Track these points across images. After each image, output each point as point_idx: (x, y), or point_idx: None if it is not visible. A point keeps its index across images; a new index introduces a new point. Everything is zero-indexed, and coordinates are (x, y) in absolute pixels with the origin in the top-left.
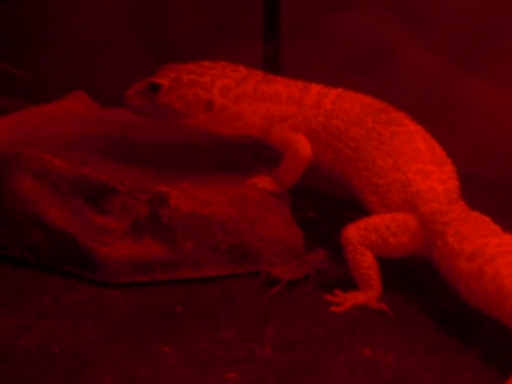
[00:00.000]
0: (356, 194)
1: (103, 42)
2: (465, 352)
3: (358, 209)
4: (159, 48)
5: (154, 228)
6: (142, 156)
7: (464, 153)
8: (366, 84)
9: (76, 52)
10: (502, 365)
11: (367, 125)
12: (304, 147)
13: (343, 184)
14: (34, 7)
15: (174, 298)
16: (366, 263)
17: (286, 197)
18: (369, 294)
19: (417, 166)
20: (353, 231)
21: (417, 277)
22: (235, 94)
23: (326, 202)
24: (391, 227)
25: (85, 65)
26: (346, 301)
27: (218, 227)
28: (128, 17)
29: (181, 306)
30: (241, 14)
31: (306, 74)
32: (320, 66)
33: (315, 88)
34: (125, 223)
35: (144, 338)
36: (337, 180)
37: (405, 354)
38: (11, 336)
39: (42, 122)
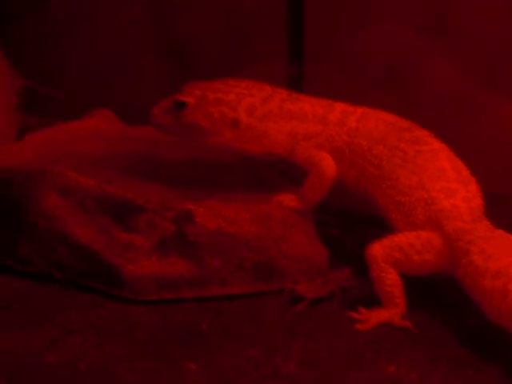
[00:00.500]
0: (380, 211)
1: (128, 60)
2: (488, 370)
3: (382, 226)
4: (184, 67)
5: (180, 245)
6: (167, 174)
7: (487, 171)
8: (388, 101)
9: (101, 70)
10: None
11: (391, 143)
12: (328, 165)
13: (367, 202)
14: (59, 25)
15: (200, 316)
16: (391, 281)
17: (310, 214)
18: (393, 312)
19: (441, 185)
20: (377, 249)
21: (441, 294)
22: (261, 112)
23: (350, 219)
24: (415, 245)
25: (110, 83)
26: (370, 318)
27: (243, 245)
28: (153, 36)
29: (207, 323)
30: (265, 34)
31: (329, 94)
32: (343, 85)
33: (340, 106)
34: (151, 241)
35: (169, 355)
36: (361, 198)
37: (429, 372)
38: (38, 352)
39: (68, 139)
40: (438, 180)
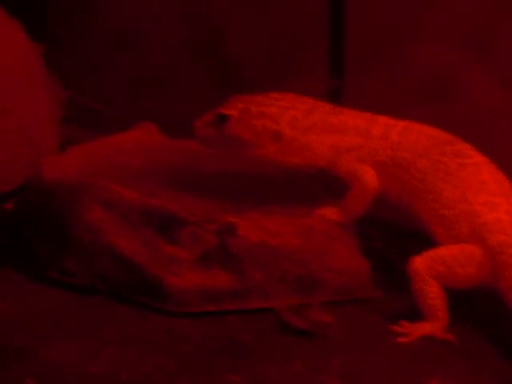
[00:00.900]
0: (423, 224)
1: (171, 74)
2: None
3: (424, 239)
4: (226, 82)
5: (223, 258)
6: (209, 186)
7: None
8: (430, 116)
9: (145, 84)
10: None
11: (434, 156)
12: (371, 179)
13: (410, 215)
14: (104, 38)
15: (243, 328)
16: (433, 294)
17: (352, 227)
18: (435, 325)
19: (484, 198)
20: (420, 262)
21: (483, 307)
22: (303, 125)
23: (393, 232)
24: (458, 258)
25: (153, 96)
26: (412, 331)
27: (286, 258)
28: (196, 50)
29: (249, 336)
30: (305, 47)
31: (370, 108)
32: (383, 99)
33: (382, 120)
34: (194, 253)
35: (212, 367)
36: (404, 211)
37: None
38: (82, 363)
39: (111, 152)
40: (481, 193)
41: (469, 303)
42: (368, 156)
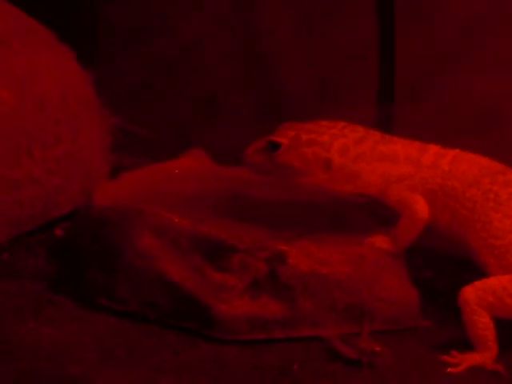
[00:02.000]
0: (473, 254)
1: (222, 102)
2: None
3: (474, 269)
4: (275, 109)
5: (272, 286)
6: (259, 214)
7: None
8: (479, 146)
9: (195, 111)
10: None
11: (484, 186)
12: (422, 208)
13: (460, 244)
14: (153, 67)
15: (292, 356)
16: (483, 324)
17: (401, 256)
18: (486, 355)
19: None
20: (470, 292)
21: None
22: (353, 153)
23: (442, 261)
24: (508, 288)
25: (203, 124)
26: (462, 361)
27: (336, 286)
28: (245, 78)
29: (298, 364)
30: (356, 75)
31: (421, 135)
32: (435, 127)
33: (433, 149)
34: (243, 281)
35: None
36: (453, 240)
37: None
38: None
39: (161, 179)
40: None
41: None
42: (419, 185)
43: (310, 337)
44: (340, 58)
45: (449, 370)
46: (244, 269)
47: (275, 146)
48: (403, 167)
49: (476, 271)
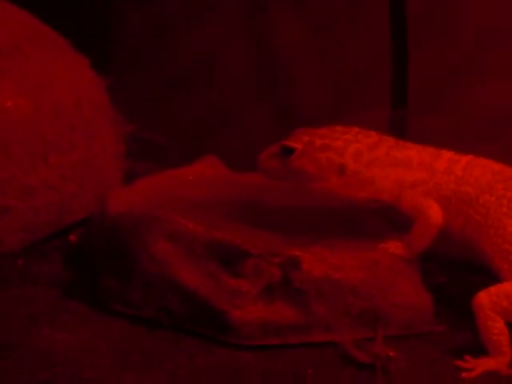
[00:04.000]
0: (486, 259)
1: (236, 109)
2: None
3: (488, 275)
4: (288, 114)
5: (286, 291)
6: (272, 219)
7: None
8: (493, 151)
9: (210, 118)
10: None
11: (498, 192)
12: (436, 213)
13: (474, 249)
14: (166, 74)
15: (306, 361)
16: (498, 329)
17: (415, 261)
18: (500, 360)
19: None
20: (484, 297)
21: None
22: (367, 159)
23: (456, 267)
24: None
25: (217, 130)
26: (476, 367)
27: (350, 291)
28: (258, 85)
29: (312, 369)
30: (370, 82)
31: (434, 142)
32: (446, 136)
33: (446, 154)
34: (257, 286)
35: None
36: (467, 245)
37: None
38: None
39: (175, 185)
40: None
41: None
42: (432, 190)
43: (323, 342)
44: (353, 69)
45: (463, 375)
46: (258, 274)
47: (289, 151)
48: (417, 173)
49: (490, 276)
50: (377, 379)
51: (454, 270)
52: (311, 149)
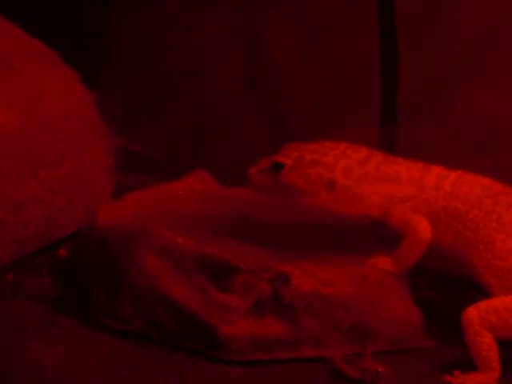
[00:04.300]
0: (476, 275)
1: (225, 122)
2: None
3: (477, 290)
4: (278, 130)
5: (276, 307)
6: (262, 234)
7: None
8: (483, 166)
9: (199, 132)
10: None
11: (487, 207)
12: (424, 229)
13: (463, 265)
14: (155, 87)
15: (296, 377)
16: (486, 345)
17: (405, 276)
18: (489, 376)
19: None
20: (473, 313)
21: None
22: (357, 174)
23: (445, 282)
24: (511, 309)
25: (207, 144)
26: (465, 382)
27: (340, 306)
28: (246, 97)
29: None
30: (358, 96)
31: (424, 156)
32: (438, 147)
33: (435, 170)
34: (247, 301)
35: None
36: (456, 261)
37: None
38: None
39: (165, 199)
40: None
41: None
42: (421, 206)
43: (313, 357)
44: (343, 78)
45: None
46: (247, 289)
47: (279, 167)
48: (406, 188)
49: (479, 292)
50: None
51: (444, 286)
52: (301, 164)
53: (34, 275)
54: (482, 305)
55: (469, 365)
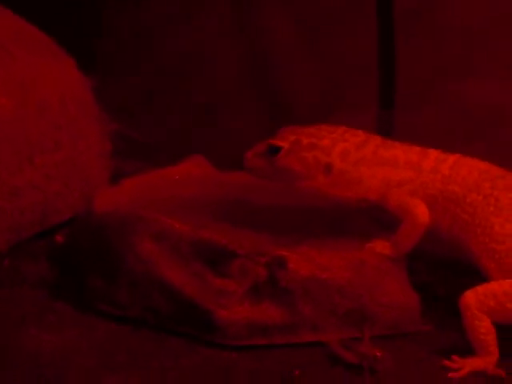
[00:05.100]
0: (473, 258)
1: (222, 106)
2: None
3: (475, 274)
4: (275, 113)
5: (272, 291)
6: (259, 219)
7: None
8: (482, 149)
9: (196, 116)
10: None
11: (485, 191)
12: (422, 213)
13: (460, 248)
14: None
15: (292, 362)
16: (485, 329)
17: (402, 261)
18: (487, 360)
19: None
20: (471, 297)
21: None
22: (354, 158)
23: (443, 266)
24: (510, 293)
25: (203, 129)
26: (464, 366)
27: (336, 291)
28: (244, 82)
29: (299, 370)
30: (357, 82)
31: (421, 141)
32: (435, 133)
33: (433, 153)
34: (243, 286)
35: None
36: (454, 244)
37: None
38: None
39: (161, 184)
40: None
41: None
42: (419, 189)
43: (310, 342)
44: (341, 67)
45: (450, 374)
46: (244, 274)
47: (275, 150)
48: (403, 172)
49: (477, 276)
50: (364, 379)
51: (441, 270)
52: (298, 147)
53: (30, 261)
54: (480, 289)
55: (467, 349)
